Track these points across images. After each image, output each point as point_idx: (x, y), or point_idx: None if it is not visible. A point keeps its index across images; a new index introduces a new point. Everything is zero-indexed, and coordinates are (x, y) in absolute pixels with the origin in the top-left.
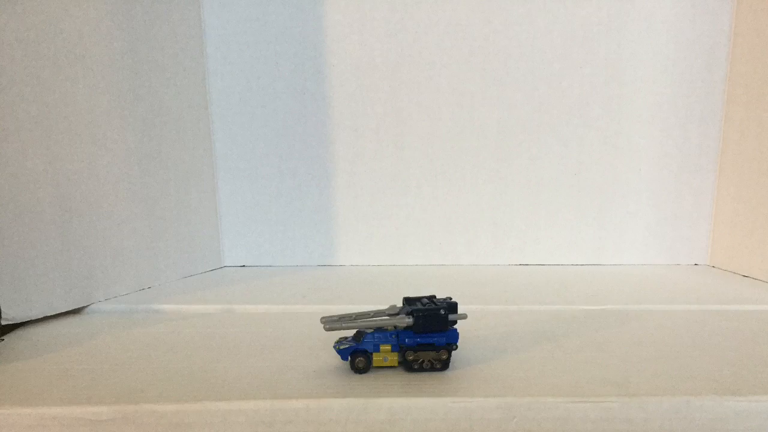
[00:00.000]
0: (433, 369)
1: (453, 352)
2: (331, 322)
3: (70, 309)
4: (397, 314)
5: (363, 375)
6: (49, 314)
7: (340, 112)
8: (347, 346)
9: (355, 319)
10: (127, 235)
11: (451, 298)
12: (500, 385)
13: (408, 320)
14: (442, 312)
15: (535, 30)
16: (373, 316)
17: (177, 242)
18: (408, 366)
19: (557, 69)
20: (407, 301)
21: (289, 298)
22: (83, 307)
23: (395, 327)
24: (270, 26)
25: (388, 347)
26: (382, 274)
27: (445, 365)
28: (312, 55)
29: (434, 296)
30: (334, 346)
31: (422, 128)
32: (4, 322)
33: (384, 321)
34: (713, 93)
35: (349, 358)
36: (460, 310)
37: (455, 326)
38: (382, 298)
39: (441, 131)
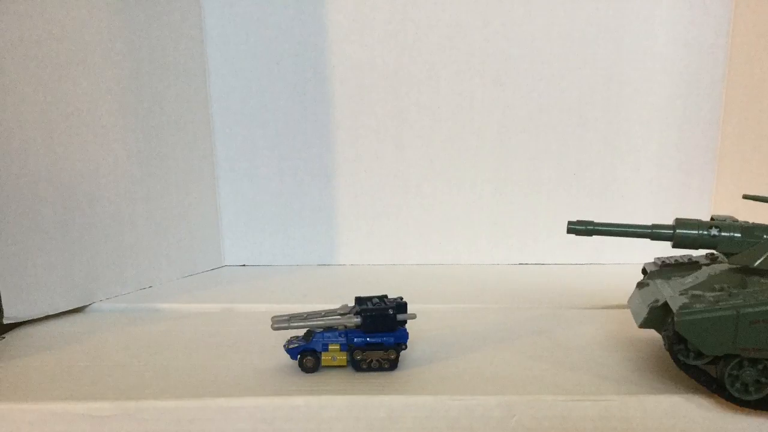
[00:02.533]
0: (381, 369)
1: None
2: (279, 322)
3: (72, 308)
4: (347, 314)
5: (314, 374)
6: (50, 313)
7: (340, 113)
8: (296, 345)
9: (305, 318)
10: (128, 234)
11: (402, 298)
12: (500, 383)
13: (356, 320)
14: (391, 312)
15: (533, 31)
16: (324, 316)
17: (177, 242)
18: (356, 365)
19: (556, 69)
20: (358, 300)
21: (290, 297)
22: (84, 306)
23: (345, 327)
24: (270, 27)
25: (337, 347)
26: (381, 273)
27: (393, 365)
28: (312, 56)
29: (386, 296)
30: (284, 346)
31: (422, 128)
32: (6, 321)
33: (333, 320)
34: (711, 94)
35: (298, 357)
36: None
37: (405, 326)
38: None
39: (441, 131)
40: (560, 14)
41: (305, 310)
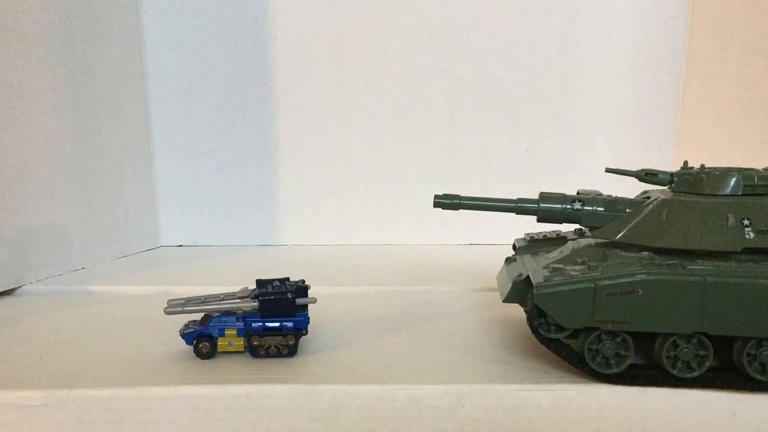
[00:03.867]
0: (279, 355)
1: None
2: (173, 306)
3: (0, 291)
4: (246, 297)
5: (210, 360)
6: None
7: (282, 86)
8: (192, 330)
9: (203, 302)
10: (59, 213)
11: (304, 281)
12: (450, 372)
13: (253, 304)
14: (289, 296)
15: (485, 0)
16: (222, 300)
17: (112, 221)
18: (253, 351)
19: (508, 40)
20: (259, 283)
21: (229, 279)
22: (14, 289)
23: (242, 311)
24: None
25: (234, 332)
26: (325, 254)
27: (292, 351)
28: (252, 27)
29: (287, 278)
30: (180, 331)
31: (368, 102)
32: None
33: (230, 305)
34: (671, 66)
35: (194, 342)
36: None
37: (307, 310)
38: (325, 278)
39: (387, 105)
40: None
41: (204, 293)
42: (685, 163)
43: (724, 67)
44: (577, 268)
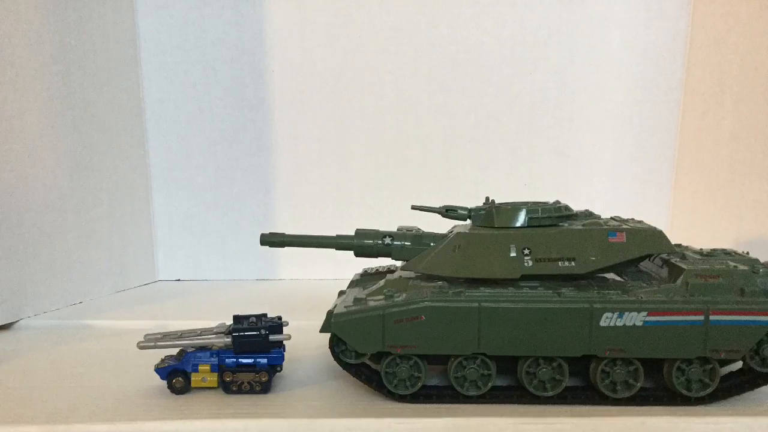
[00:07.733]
0: (252, 391)
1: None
2: (148, 341)
3: None
4: (221, 333)
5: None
6: None
7: (280, 120)
8: (167, 365)
9: (180, 336)
10: (57, 247)
11: (281, 318)
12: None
13: (227, 340)
14: (263, 332)
15: (483, 34)
16: (199, 334)
17: (109, 255)
18: (226, 387)
19: (507, 75)
20: (236, 319)
21: (227, 313)
22: (12, 323)
23: (217, 347)
24: (207, 31)
25: (207, 367)
26: (322, 288)
27: (265, 388)
28: (250, 61)
29: (265, 315)
30: (155, 366)
31: (365, 137)
32: None
33: (204, 340)
34: (668, 101)
35: (167, 377)
36: None
37: (282, 347)
38: (320, 312)
39: (385, 140)
40: (510, 17)
41: (182, 329)
42: (487, 198)
43: (721, 101)
44: (377, 298)
